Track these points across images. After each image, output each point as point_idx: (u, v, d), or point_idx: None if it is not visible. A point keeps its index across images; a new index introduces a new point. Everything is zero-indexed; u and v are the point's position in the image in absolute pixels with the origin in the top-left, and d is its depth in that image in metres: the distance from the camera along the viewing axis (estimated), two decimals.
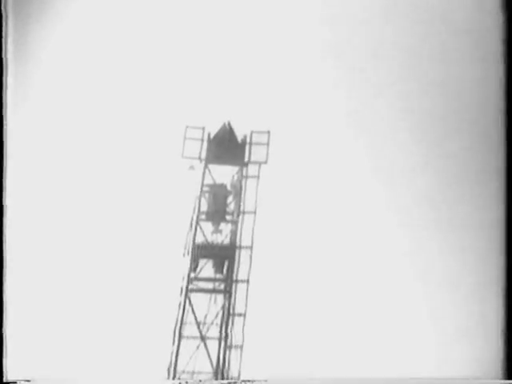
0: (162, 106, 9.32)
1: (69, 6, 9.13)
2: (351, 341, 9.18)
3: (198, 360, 9.20)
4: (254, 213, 9.45)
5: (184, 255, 9.37)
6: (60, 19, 9.12)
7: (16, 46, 8.98)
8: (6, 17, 8.88)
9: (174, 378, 9.02)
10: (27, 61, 9.04)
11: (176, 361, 9.06)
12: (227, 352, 9.19)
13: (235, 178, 9.68)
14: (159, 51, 9.32)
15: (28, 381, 8.87)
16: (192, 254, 9.38)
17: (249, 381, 8.91)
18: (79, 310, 9.04)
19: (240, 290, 9.31)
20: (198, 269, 9.43)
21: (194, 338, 9.26)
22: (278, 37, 9.41)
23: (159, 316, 9.12)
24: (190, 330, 9.26)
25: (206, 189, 9.61)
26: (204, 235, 9.51)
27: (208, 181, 9.61)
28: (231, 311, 9.28)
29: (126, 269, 9.13)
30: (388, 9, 9.38)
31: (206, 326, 9.30)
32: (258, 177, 9.53)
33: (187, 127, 9.41)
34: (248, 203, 9.52)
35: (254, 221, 9.43)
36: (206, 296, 9.38)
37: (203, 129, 9.47)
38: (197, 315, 9.31)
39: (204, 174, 9.55)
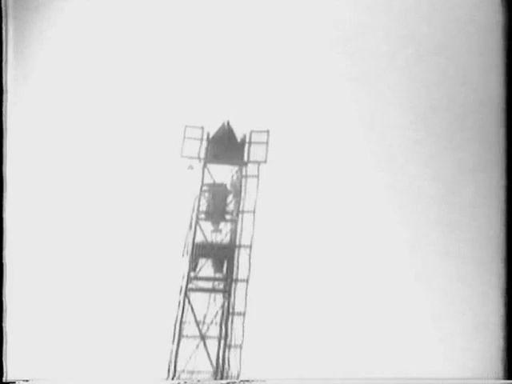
0: (161, 106, 9.32)
1: (69, 6, 9.13)
2: (351, 341, 9.17)
3: (197, 359, 9.20)
4: (254, 212, 9.45)
5: (183, 254, 9.36)
6: (60, 19, 9.12)
7: (16, 46, 8.99)
8: (6, 17, 8.89)
9: (173, 378, 9.03)
10: (27, 61, 9.05)
11: (175, 360, 9.07)
12: (227, 351, 9.20)
13: (235, 177, 9.67)
14: (158, 50, 9.31)
15: (27, 381, 8.89)
16: (191, 254, 9.38)
17: (248, 381, 8.92)
18: (79, 309, 9.05)
19: (239, 289, 9.32)
20: (198, 268, 9.43)
21: (194, 337, 9.27)
22: (278, 36, 9.40)
23: (158, 315, 9.13)
24: (190, 329, 9.26)
25: (205, 188, 9.60)
26: (203, 234, 9.51)
27: (207, 180, 9.61)
28: (231, 310, 9.28)
29: (125, 268, 9.14)
30: (389, 6, 9.37)
31: (206, 325, 9.30)
32: (258, 176, 9.52)
33: (186, 127, 9.40)
34: (247, 203, 9.52)
35: (254, 220, 9.43)
36: (206, 295, 9.38)
37: (202, 128, 9.46)
38: (196, 314, 9.31)
39: (203, 173, 9.55)
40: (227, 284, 9.37)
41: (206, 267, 9.46)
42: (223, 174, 9.67)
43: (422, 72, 9.37)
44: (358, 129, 9.41)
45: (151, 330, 9.09)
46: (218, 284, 9.41)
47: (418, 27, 9.35)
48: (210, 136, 9.57)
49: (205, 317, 9.33)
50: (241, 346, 9.15)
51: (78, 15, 9.16)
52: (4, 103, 8.91)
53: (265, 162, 9.53)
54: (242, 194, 9.56)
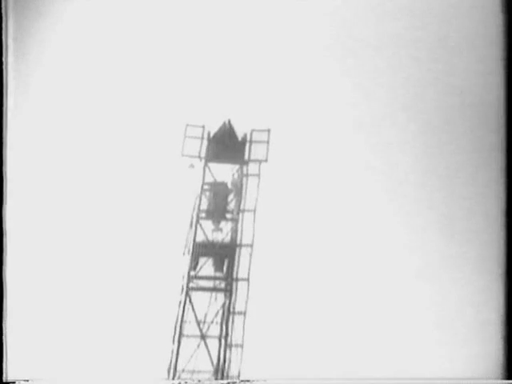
0: (162, 105, 9.29)
1: (69, 6, 9.09)
2: (351, 341, 9.18)
3: (198, 359, 9.20)
4: (255, 211, 9.43)
5: (184, 253, 9.35)
6: (60, 19, 9.08)
7: (16, 46, 8.95)
8: (6, 17, 8.85)
9: (174, 377, 9.03)
10: (27, 60, 9.01)
11: (176, 359, 9.07)
12: (227, 350, 9.20)
13: (235, 176, 9.65)
14: (159, 49, 9.28)
15: (27, 381, 8.89)
16: (192, 252, 9.37)
17: (249, 381, 8.92)
18: (79, 309, 9.04)
19: (240, 288, 9.31)
20: (198, 267, 9.42)
21: (194, 336, 9.26)
22: (279, 34, 9.36)
23: (159, 314, 9.12)
24: (190, 328, 9.26)
25: (206, 187, 9.58)
26: (204, 233, 9.49)
27: (208, 179, 9.59)
28: (231, 310, 9.27)
29: (125, 267, 9.12)
30: (388, 6, 9.34)
31: (207, 324, 9.30)
32: (259, 175, 9.50)
33: (187, 125, 9.37)
34: (248, 201, 9.50)
35: (255, 219, 9.41)
36: (207, 294, 9.37)
37: (203, 127, 9.44)
38: (197, 314, 9.31)
39: (204, 172, 9.53)
40: (228, 283, 9.36)
41: (207, 266, 9.45)
42: (224, 172, 9.65)
43: (422, 71, 9.36)
44: (358, 129, 9.39)
45: (151, 330, 9.08)
46: (219, 283, 9.40)
47: (418, 27, 9.32)
48: (211, 135, 9.54)
49: (205, 316, 9.32)
50: (241, 346, 9.15)
51: (79, 16, 9.11)
52: (4, 103, 8.87)
53: (266, 160, 9.51)
54: (243, 192, 9.54)
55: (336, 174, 9.38)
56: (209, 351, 9.22)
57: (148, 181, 9.23)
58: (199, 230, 9.45)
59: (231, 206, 9.63)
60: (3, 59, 8.80)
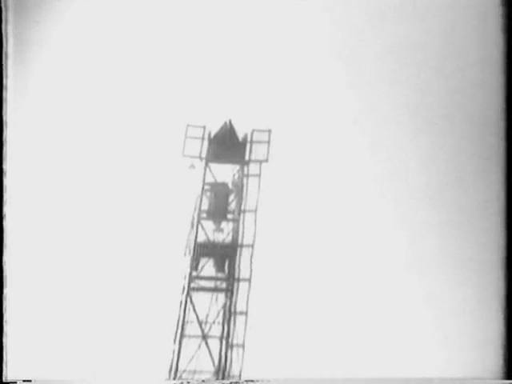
0: (163, 105, 9.28)
1: (69, 6, 9.06)
2: (352, 341, 9.19)
3: (199, 359, 9.19)
4: (255, 211, 9.43)
5: (185, 254, 9.34)
6: (60, 19, 9.05)
7: (16, 46, 8.92)
8: (6, 17, 8.82)
9: (175, 377, 9.01)
10: (27, 60, 8.98)
11: (178, 360, 9.05)
12: (229, 351, 9.19)
13: (236, 176, 9.65)
14: (160, 49, 9.27)
15: (28, 381, 8.84)
16: (193, 253, 9.36)
17: (252, 381, 8.91)
18: (80, 309, 9.00)
19: (241, 288, 9.30)
20: (200, 267, 9.41)
21: (196, 336, 9.25)
22: (279, 35, 9.38)
23: (161, 315, 9.10)
24: (192, 328, 9.24)
25: (207, 187, 9.58)
26: (205, 234, 9.48)
27: (209, 179, 9.58)
28: (233, 310, 9.26)
29: (127, 268, 9.10)
30: (388, 7, 9.37)
31: (208, 324, 9.29)
32: (259, 175, 9.51)
33: (188, 126, 9.37)
34: (249, 202, 9.50)
35: (256, 219, 9.41)
36: (208, 295, 9.36)
37: (204, 127, 9.44)
38: (198, 314, 9.29)
39: (205, 172, 9.53)
40: (229, 283, 9.35)
41: (208, 266, 9.44)
42: (225, 172, 9.65)
43: (421, 71, 9.39)
44: (358, 129, 9.42)
45: (153, 330, 9.06)
46: (220, 283, 9.39)
47: (417, 28, 9.36)
48: (212, 135, 9.54)
49: (207, 316, 9.31)
50: (243, 346, 9.15)
51: (79, 15, 9.09)
52: (4, 104, 8.84)
53: (266, 160, 9.52)
54: (244, 193, 9.55)
55: (336, 174, 9.40)
56: (210, 351, 9.21)
57: (149, 181, 9.21)
58: (200, 231, 9.44)
59: (232, 206, 9.63)
60: (3, 62, 8.77)
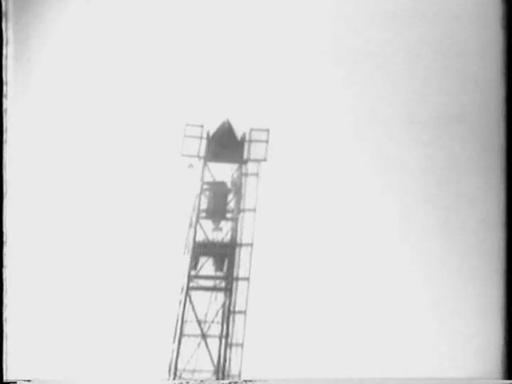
0: (161, 104, 9.28)
1: (69, 6, 9.07)
2: (352, 340, 9.19)
3: (198, 358, 9.21)
4: (254, 210, 9.43)
5: (184, 253, 9.35)
6: (60, 18, 9.06)
7: (16, 46, 8.94)
8: (7, 17, 8.84)
9: (174, 377, 9.04)
10: (27, 60, 9.00)
11: (176, 359, 9.07)
12: (228, 350, 9.21)
13: (235, 175, 9.64)
14: (158, 49, 9.27)
15: (28, 381, 8.89)
16: (192, 252, 9.37)
17: (251, 381, 8.94)
18: (79, 309, 9.04)
19: (241, 287, 9.31)
20: (199, 267, 9.42)
21: (195, 336, 9.27)
22: (278, 34, 9.36)
23: (159, 314, 9.13)
24: (191, 328, 9.26)
25: (205, 187, 9.58)
26: (204, 233, 9.49)
27: (207, 178, 9.58)
28: (232, 309, 9.28)
29: (125, 267, 9.13)
30: (389, 9, 9.33)
31: (207, 324, 9.30)
32: (258, 174, 9.50)
33: (186, 125, 9.37)
34: (248, 201, 9.50)
35: (255, 218, 9.41)
36: (207, 294, 9.37)
37: (202, 127, 9.43)
38: (197, 313, 9.31)
39: (203, 171, 9.52)
40: (228, 282, 9.36)
41: (207, 266, 9.45)
42: (223, 172, 9.64)
43: (420, 70, 9.35)
44: (357, 128, 9.40)
45: (152, 329, 9.09)
46: (219, 282, 9.41)
47: (416, 26, 9.32)
48: (210, 134, 9.54)
49: (206, 315, 9.33)
50: (242, 345, 9.16)
51: (79, 15, 9.10)
52: (4, 104, 8.86)
53: (265, 160, 9.51)
54: (243, 192, 9.54)
55: (335, 174, 9.39)
56: (209, 350, 9.23)
57: (147, 181, 9.23)
58: (199, 230, 9.45)
59: (231, 205, 9.62)
60: (3, 62, 8.79)
